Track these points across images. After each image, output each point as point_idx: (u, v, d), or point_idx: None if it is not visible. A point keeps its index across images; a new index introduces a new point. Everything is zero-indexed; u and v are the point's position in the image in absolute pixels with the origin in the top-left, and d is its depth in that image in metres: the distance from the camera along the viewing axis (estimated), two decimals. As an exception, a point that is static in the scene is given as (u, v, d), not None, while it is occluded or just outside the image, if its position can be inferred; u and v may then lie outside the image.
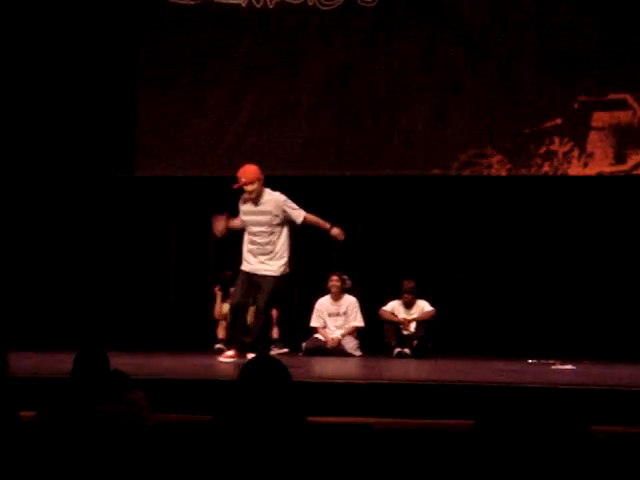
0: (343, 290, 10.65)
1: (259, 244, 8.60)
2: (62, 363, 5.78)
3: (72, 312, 11.13)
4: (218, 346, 10.47)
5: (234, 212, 8.81)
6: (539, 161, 10.80)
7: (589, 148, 10.72)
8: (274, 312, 10.23)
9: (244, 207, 8.69)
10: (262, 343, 8.81)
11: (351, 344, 10.53)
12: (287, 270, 8.67)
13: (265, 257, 8.60)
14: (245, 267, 8.67)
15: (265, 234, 8.59)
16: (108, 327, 10.97)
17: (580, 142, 10.73)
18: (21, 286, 11.23)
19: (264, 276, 8.59)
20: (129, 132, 11.29)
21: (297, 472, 3.02)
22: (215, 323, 10.78)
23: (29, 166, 11.32)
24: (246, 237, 8.69)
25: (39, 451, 3.50)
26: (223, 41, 11.17)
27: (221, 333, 10.63)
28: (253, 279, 8.63)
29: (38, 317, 11.08)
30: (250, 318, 8.89)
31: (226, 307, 10.68)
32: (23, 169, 11.31)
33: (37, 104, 11.28)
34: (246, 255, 8.66)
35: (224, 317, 10.62)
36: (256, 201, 8.60)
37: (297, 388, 3.32)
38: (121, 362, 5.31)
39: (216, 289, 10.82)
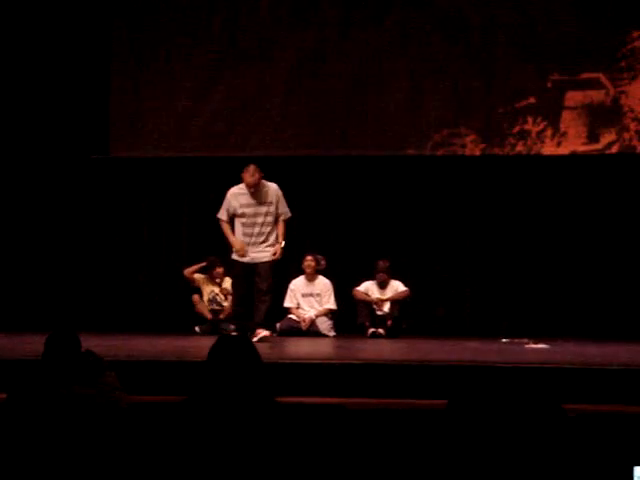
0: (317, 271, 10.65)
1: None
2: (33, 345, 5.75)
3: (44, 293, 11.09)
4: (197, 328, 10.58)
5: None
6: (513, 140, 10.81)
7: (562, 127, 10.74)
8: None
9: None
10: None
11: (325, 324, 10.53)
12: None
13: None
14: None
15: None
16: (80, 309, 10.94)
17: (553, 121, 10.74)
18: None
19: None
20: (103, 113, 11.22)
21: (270, 451, 3.00)
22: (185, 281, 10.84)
23: (0, 147, 11.24)
24: None
25: (10, 433, 3.48)
26: (196, 23, 11.10)
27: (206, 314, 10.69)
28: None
29: (9, 298, 11.02)
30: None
31: (198, 277, 10.69)
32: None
33: (9, 86, 11.19)
34: None
35: (191, 279, 10.71)
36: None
37: (267, 368, 3.30)
38: (93, 344, 5.28)
39: (210, 258, 10.74)
